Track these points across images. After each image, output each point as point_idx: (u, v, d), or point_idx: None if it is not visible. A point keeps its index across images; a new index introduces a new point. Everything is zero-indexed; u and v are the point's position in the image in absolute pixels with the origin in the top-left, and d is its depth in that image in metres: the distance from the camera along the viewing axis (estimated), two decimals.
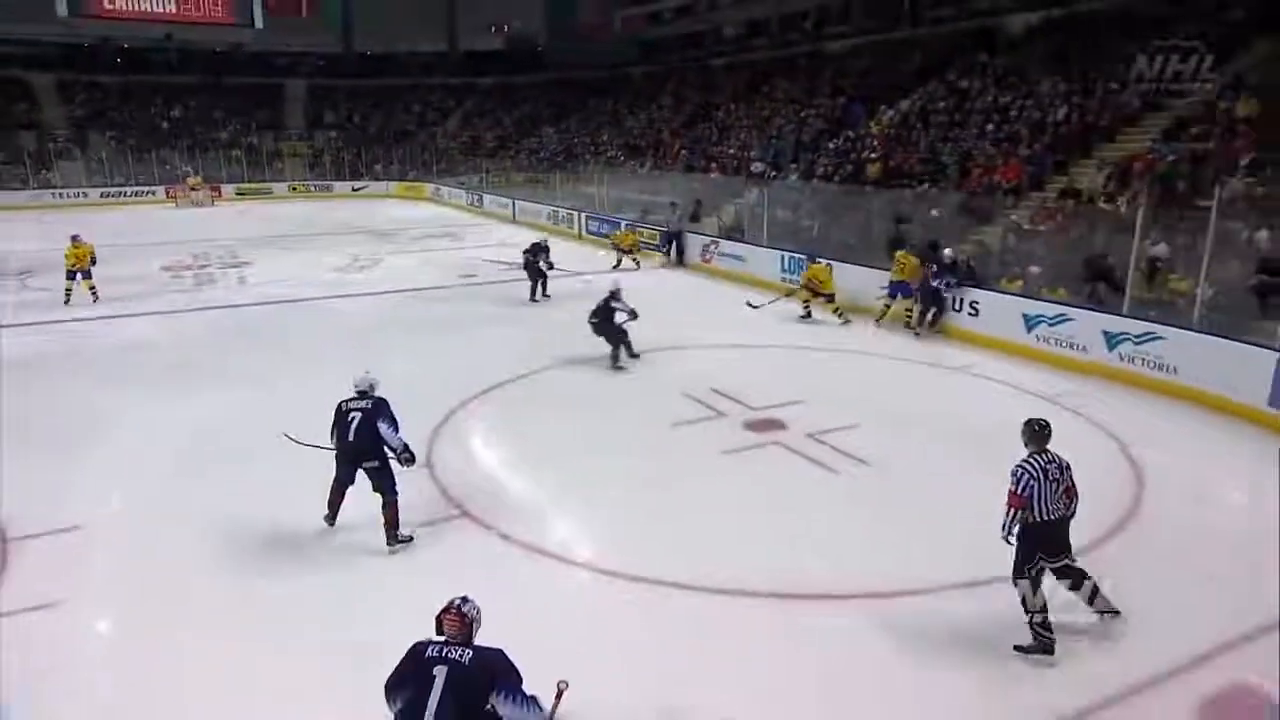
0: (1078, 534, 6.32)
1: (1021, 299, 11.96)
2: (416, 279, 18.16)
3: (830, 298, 13.68)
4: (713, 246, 18.54)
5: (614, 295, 11.04)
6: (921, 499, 7.26)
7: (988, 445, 8.33)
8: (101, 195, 34.81)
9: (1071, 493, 5.00)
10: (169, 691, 4.90)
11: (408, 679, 3.53)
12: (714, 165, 24.84)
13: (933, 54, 22.88)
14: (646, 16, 42.21)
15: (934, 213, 15.78)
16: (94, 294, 15.38)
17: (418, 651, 3.59)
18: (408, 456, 6.34)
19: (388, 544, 6.33)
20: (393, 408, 6.40)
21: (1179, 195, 12.75)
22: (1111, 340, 10.35)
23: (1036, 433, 5.06)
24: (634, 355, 11.22)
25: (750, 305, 14.33)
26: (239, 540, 6.61)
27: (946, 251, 12.62)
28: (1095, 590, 5.10)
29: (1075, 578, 5.10)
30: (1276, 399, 8.56)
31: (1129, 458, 8.00)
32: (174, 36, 44.55)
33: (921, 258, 13.01)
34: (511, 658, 3.66)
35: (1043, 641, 4.88)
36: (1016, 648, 4.94)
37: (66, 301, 14.98)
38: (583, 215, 24.24)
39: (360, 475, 6.40)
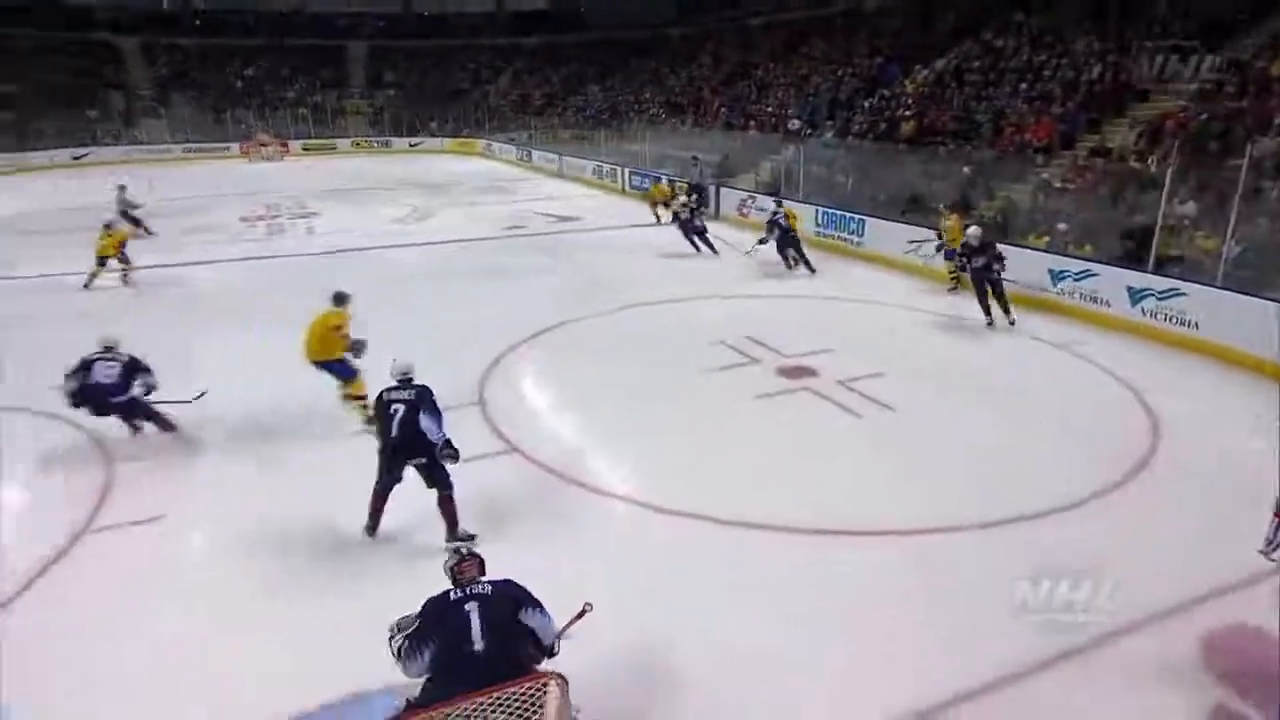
0: (1093, 477, 6.30)
1: (1047, 254, 11.60)
2: (468, 230, 18.17)
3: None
4: (749, 201, 18.24)
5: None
6: (941, 444, 7.18)
7: (1006, 394, 8.30)
8: (183, 150, 35.38)
9: None
10: (241, 593, 5.10)
11: (433, 630, 3.50)
12: (752, 123, 24.29)
13: (967, 13, 21.92)
14: None
15: (965, 170, 15.30)
16: (125, 278, 13.58)
17: (439, 603, 3.59)
18: (449, 453, 5.48)
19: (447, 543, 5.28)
20: (435, 396, 5.61)
21: (1210, 154, 12.20)
22: (1135, 296, 10.01)
23: None
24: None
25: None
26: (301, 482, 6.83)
27: (971, 231, 10.57)
28: None
29: None
30: None
31: (1144, 404, 7.81)
32: None
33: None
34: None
35: None
36: None
37: (87, 286, 12.96)
38: (626, 170, 23.95)
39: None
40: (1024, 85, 17.22)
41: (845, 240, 15.09)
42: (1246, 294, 8.95)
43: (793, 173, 18.21)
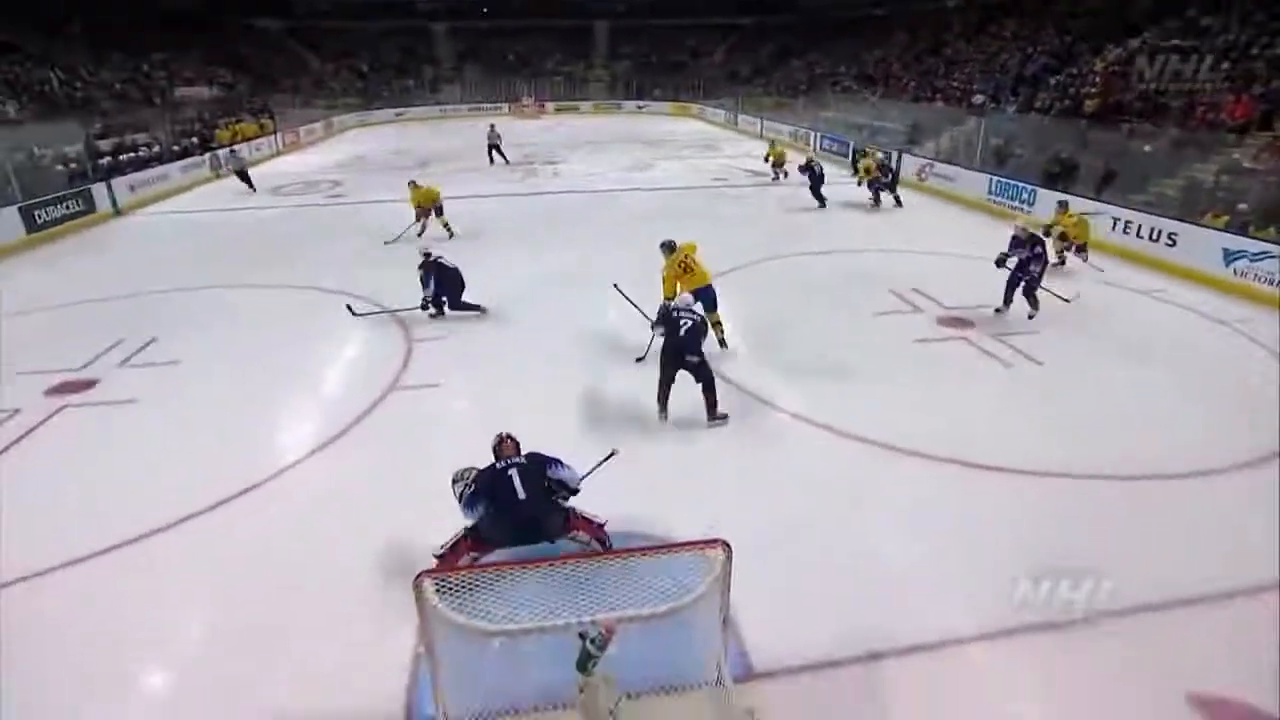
0: (1240, 448, 5.53)
1: (1224, 234, 9.86)
2: (681, 180, 18.18)
3: (1081, 248, 10.11)
4: (928, 168, 16.82)
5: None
6: (1088, 399, 6.51)
7: (1163, 361, 7.32)
8: (469, 109, 37.72)
9: None
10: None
11: (484, 491, 3.95)
12: (938, 95, 22.05)
13: None
14: None
15: (1146, 148, 13.16)
16: (448, 230, 12.28)
17: (490, 472, 4.04)
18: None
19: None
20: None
21: None
22: None
23: None
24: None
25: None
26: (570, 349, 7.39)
27: (1019, 225, 8.36)
28: None
29: None
30: None
31: None
32: None
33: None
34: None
35: None
36: None
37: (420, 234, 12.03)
38: (818, 134, 22.75)
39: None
40: (1226, 64, 14.32)
41: (1017, 208, 13.60)
42: None
43: (972, 143, 16.50)
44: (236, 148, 20.27)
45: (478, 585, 2.70)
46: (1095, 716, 3.42)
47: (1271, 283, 8.91)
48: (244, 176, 17.85)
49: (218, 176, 19.25)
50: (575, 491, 4.17)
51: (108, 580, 4.41)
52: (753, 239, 11.97)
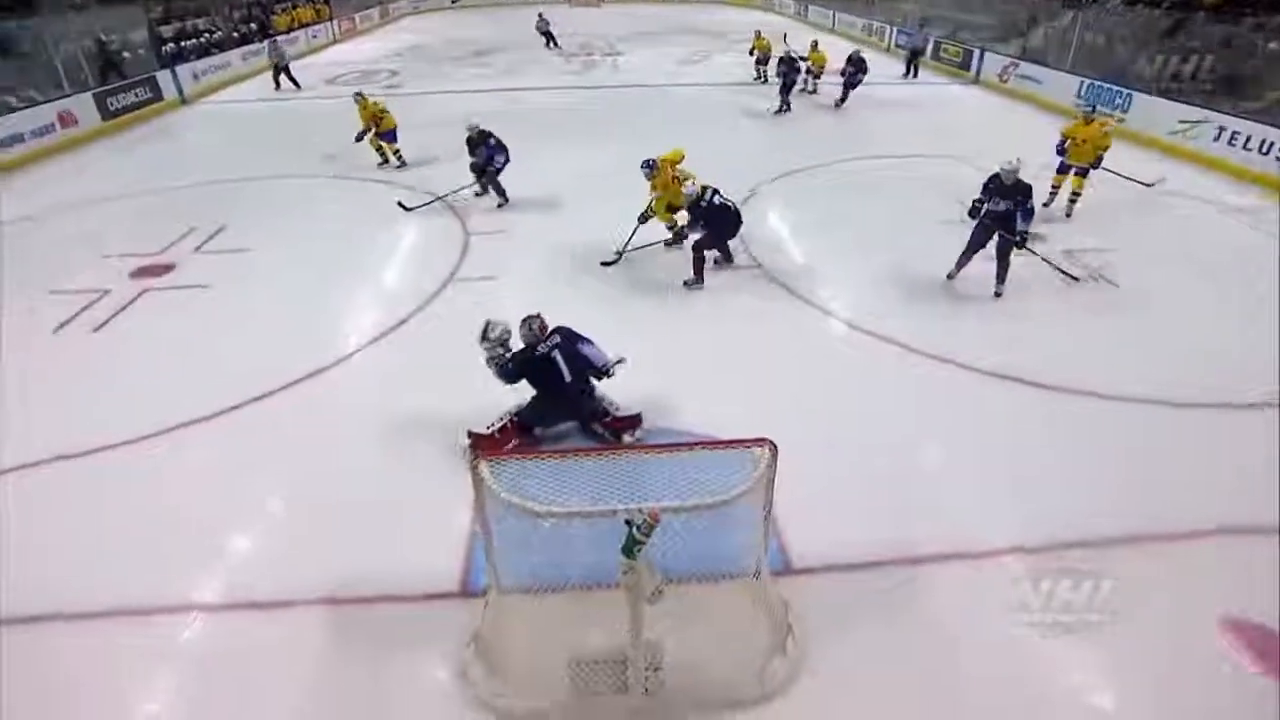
0: None
1: None
2: (739, 74, 17.16)
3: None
4: (1011, 67, 15.39)
5: None
6: (1161, 324, 6.13)
7: (1245, 291, 6.74)
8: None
9: None
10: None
11: (528, 368, 4.31)
12: None
13: None
14: None
15: (1272, 45, 11.69)
16: (390, 156, 10.33)
17: (529, 353, 4.34)
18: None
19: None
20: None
21: None
22: None
23: None
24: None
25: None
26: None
27: (1004, 167, 6.18)
28: None
29: None
30: None
31: None
32: None
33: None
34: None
35: None
36: None
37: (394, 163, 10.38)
38: (892, 29, 20.96)
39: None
40: None
41: (1109, 116, 12.41)
42: None
43: (1067, 40, 14.95)
44: (279, 39, 19.59)
45: (529, 471, 2.79)
46: (1126, 631, 3.42)
47: None
48: (284, 71, 16.50)
49: (275, 65, 19.03)
50: (603, 372, 4.33)
51: (189, 450, 4.73)
52: (808, 139, 11.40)
